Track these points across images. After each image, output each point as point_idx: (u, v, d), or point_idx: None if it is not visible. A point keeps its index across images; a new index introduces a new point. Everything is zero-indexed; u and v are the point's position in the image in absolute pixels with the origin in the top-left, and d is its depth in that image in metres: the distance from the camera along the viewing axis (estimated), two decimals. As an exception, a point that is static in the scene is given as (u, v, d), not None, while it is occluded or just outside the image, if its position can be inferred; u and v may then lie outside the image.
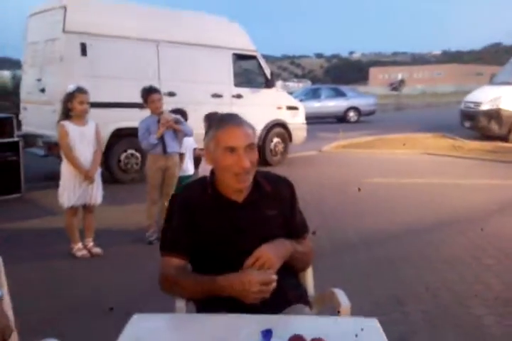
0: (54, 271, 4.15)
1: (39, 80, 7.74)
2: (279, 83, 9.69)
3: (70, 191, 4.33)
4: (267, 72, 9.40)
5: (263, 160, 9.53)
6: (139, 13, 7.85)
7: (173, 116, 4.97)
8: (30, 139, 7.91)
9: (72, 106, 4.27)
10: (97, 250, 4.52)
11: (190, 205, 1.85)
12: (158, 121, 4.79)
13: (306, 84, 50.96)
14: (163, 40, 7.92)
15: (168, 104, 7.96)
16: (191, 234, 1.82)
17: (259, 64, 9.36)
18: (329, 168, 9.51)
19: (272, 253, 1.73)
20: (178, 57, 8.10)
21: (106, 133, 7.16)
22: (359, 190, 7.23)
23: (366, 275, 4.04)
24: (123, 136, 7.71)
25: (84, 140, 4.37)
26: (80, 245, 4.49)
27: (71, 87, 4.38)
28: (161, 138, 4.79)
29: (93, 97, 7.06)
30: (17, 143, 6.70)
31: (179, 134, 4.94)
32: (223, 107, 8.66)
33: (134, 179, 7.90)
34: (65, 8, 7.07)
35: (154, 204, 4.93)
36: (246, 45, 9.10)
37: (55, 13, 7.25)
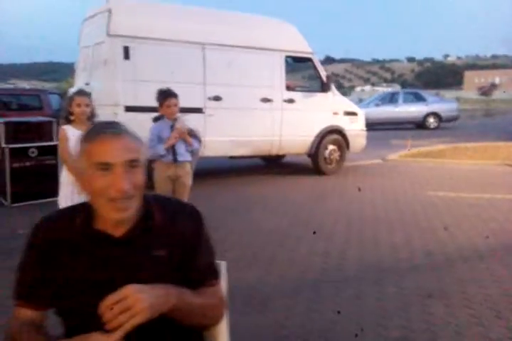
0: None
1: (87, 84, 7.76)
2: (333, 87, 9.05)
3: (67, 199, 4.11)
4: (323, 75, 8.84)
5: (316, 169, 9.00)
6: (185, 14, 7.66)
7: (187, 126, 4.61)
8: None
9: (72, 109, 4.06)
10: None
11: (52, 241, 1.44)
12: (172, 127, 4.47)
13: (395, 89, 49.12)
14: (209, 43, 7.65)
15: (213, 109, 7.80)
16: (51, 280, 1.42)
17: (315, 66, 8.83)
18: (389, 178, 8.77)
19: (143, 296, 1.25)
20: (225, 61, 7.79)
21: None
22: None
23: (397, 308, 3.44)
24: (165, 141, 7.52)
25: None
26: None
27: (72, 90, 4.18)
28: (172, 145, 4.46)
29: (135, 101, 7.13)
30: (55, 146, 6.70)
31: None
32: (273, 112, 8.30)
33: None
34: (110, 11, 7.01)
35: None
36: (300, 47, 8.61)
37: (102, 17, 7.22)
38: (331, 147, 8.99)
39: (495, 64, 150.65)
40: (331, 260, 4.47)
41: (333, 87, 8.95)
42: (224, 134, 7.87)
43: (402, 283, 3.92)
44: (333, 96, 8.97)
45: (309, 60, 8.78)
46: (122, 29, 7.01)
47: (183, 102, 7.47)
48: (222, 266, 1.67)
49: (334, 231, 5.47)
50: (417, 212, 6.33)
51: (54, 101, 12.94)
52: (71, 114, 4.09)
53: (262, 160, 10.23)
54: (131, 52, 7.06)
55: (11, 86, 19.38)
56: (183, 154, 4.51)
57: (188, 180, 4.60)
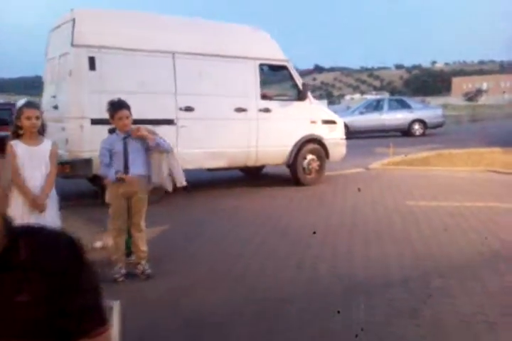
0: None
1: (54, 97, 7.50)
2: (310, 95, 8.84)
3: (18, 220, 3.81)
4: (299, 83, 8.64)
5: (295, 179, 8.76)
6: (154, 22, 7.44)
7: (148, 128, 4.35)
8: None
9: (21, 123, 3.79)
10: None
11: None
12: (125, 138, 4.21)
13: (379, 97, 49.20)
14: (179, 52, 7.42)
15: (186, 120, 7.54)
16: None
17: (290, 74, 8.62)
18: (369, 188, 8.54)
19: None
20: (197, 70, 7.56)
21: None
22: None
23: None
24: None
25: (36, 161, 3.86)
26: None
27: (20, 102, 3.92)
28: (124, 159, 4.19)
29: (102, 114, 6.82)
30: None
31: (151, 151, 4.31)
32: (248, 122, 8.06)
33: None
34: (73, 20, 6.77)
35: (120, 235, 4.33)
36: (274, 54, 8.40)
37: (66, 27, 6.98)
38: (309, 157, 8.76)
39: (482, 69, 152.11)
40: (302, 274, 4.23)
41: (309, 95, 8.74)
42: (197, 146, 7.62)
43: (371, 299, 3.67)
44: (310, 104, 8.75)
45: (284, 67, 8.57)
46: (87, 39, 6.77)
47: (154, 114, 7.29)
48: (115, 306, 1.41)
49: (308, 243, 5.23)
50: (395, 223, 6.10)
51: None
52: (20, 127, 3.82)
53: (241, 171, 9.97)
54: (96, 62, 6.81)
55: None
56: (135, 168, 4.23)
57: (144, 196, 4.33)
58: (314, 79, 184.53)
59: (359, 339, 2.99)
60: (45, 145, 3.92)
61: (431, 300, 3.65)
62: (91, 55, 6.78)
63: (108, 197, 4.33)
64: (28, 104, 3.87)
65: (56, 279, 1.23)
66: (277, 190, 8.48)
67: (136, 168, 4.24)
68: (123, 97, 6.87)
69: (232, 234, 5.73)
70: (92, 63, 6.79)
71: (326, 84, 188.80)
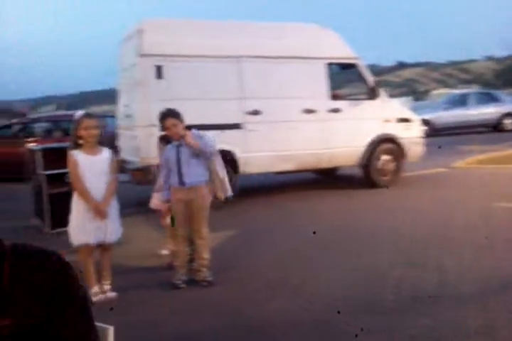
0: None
1: (126, 106, 7.75)
2: (384, 93, 8.43)
3: (79, 227, 3.93)
4: (370, 81, 8.28)
5: (369, 181, 8.41)
6: (218, 29, 7.45)
7: (197, 142, 4.27)
8: (122, 166, 7.94)
9: (80, 133, 3.89)
10: (111, 295, 4.04)
11: None
12: (177, 147, 4.19)
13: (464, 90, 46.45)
14: (245, 56, 7.37)
15: (253, 124, 7.48)
16: None
17: (361, 73, 8.28)
18: (451, 188, 8.00)
19: None
20: (263, 73, 7.48)
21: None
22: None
23: None
24: (204, 160, 7.31)
25: (97, 170, 3.95)
26: (95, 289, 4.04)
27: (79, 113, 4.01)
28: (178, 167, 4.17)
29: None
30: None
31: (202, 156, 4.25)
32: (318, 123, 7.85)
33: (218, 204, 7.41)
34: (141, 31, 6.95)
35: (184, 241, 4.33)
36: (343, 52, 8.11)
37: (135, 38, 7.18)
38: (384, 157, 8.37)
39: None
40: (364, 283, 3.97)
41: (382, 93, 8.36)
42: (266, 149, 7.54)
43: (440, 315, 3.35)
44: (383, 103, 8.36)
45: (354, 65, 8.26)
46: (154, 48, 6.92)
47: (221, 118, 7.30)
48: (109, 333, 1.31)
49: (378, 249, 4.93)
50: (477, 227, 5.62)
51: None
52: (79, 138, 3.92)
53: (314, 173, 9.74)
54: (163, 71, 6.94)
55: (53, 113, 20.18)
56: (191, 175, 4.19)
57: (204, 203, 4.28)
58: (398, 76, 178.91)
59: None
60: (104, 154, 4.00)
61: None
62: (158, 64, 6.91)
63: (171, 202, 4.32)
64: (87, 115, 3.96)
65: (42, 303, 1.15)
66: (351, 193, 8.17)
67: (192, 176, 4.20)
68: (190, 104, 7.09)
69: (299, 241, 5.52)
70: (159, 72, 6.92)
71: (410, 81, 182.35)
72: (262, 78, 7.48)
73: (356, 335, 2.93)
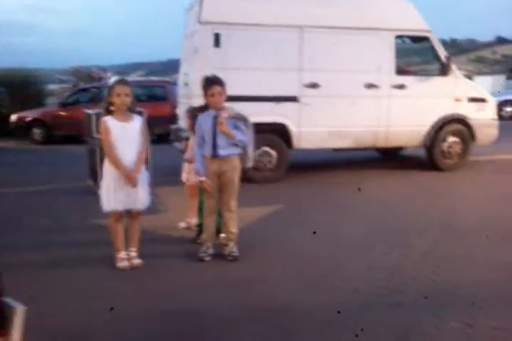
0: (81, 279, 3.84)
1: (185, 74, 7.73)
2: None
3: (109, 194, 3.95)
4: (442, 56, 7.66)
5: (432, 164, 7.93)
6: None
7: (235, 113, 4.15)
8: (179, 134, 7.99)
9: (112, 99, 3.87)
10: (137, 262, 4.07)
11: None
12: (215, 118, 4.07)
13: None
14: (307, 25, 7.04)
15: (310, 98, 7.21)
16: None
17: (433, 46, 7.68)
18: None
19: None
20: (326, 44, 7.13)
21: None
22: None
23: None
24: (256, 132, 7.12)
25: (128, 137, 3.93)
26: (122, 254, 4.08)
27: (112, 80, 3.99)
28: (213, 139, 4.06)
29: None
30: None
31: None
32: (379, 100, 7.46)
33: (267, 178, 7.32)
34: (201, -1, 6.82)
35: (212, 213, 4.26)
36: (414, 24, 7.54)
37: (196, 6, 7.06)
38: (451, 139, 7.83)
39: None
40: (397, 278, 3.72)
41: (454, 69, 7.73)
42: (321, 124, 7.27)
43: (473, 318, 3.04)
44: (455, 80, 7.75)
45: (426, 39, 7.67)
46: (213, 16, 6.78)
47: (276, 90, 7.09)
48: (18, 312, 1.25)
49: (422, 240, 4.60)
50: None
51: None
52: (112, 104, 3.91)
53: (376, 152, 9.34)
54: (221, 39, 6.80)
55: (142, 78, 20.61)
56: (226, 147, 4.08)
57: (235, 176, 4.16)
58: (494, 52, 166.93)
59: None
60: (136, 122, 3.97)
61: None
62: (216, 31, 6.78)
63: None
64: (119, 82, 3.91)
65: None
66: (410, 175, 7.75)
67: (226, 148, 4.09)
68: (247, 74, 6.95)
69: (340, 225, 5.29)
70: (216, 40, 6.80)
71: (508, 57, 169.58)
72: (324, 50, 7.14)
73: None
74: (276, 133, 7.28)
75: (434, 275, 3.74)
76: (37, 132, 13.52)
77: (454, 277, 3.70)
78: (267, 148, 7.26)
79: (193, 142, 4.77)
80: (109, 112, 3.94)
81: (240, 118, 4.14)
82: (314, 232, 4.80)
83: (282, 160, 7.37)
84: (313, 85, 7.16)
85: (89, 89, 14.16)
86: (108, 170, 3.99)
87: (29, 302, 2.33)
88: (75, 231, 5.04)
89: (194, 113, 4.51)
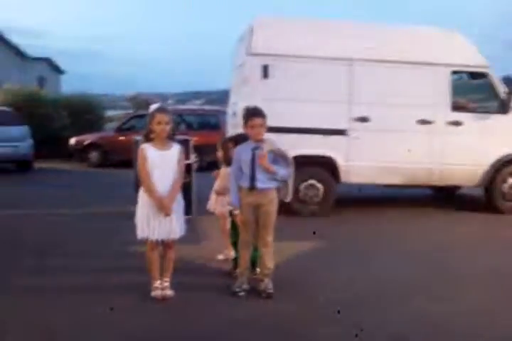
0: (113, 305, 3.76)
1: (234, 104, 7.77)
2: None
3: (144, 222, 3.91)
4: (502, 92, 7.33)
5: (491, 205, 7.51)
6: (331, 29, 7.09)
7: (276, 148, 4.04)
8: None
9: (152, 127, 3.87)
10: (169, 293, 3.96)
11: None
12: (254, 150, 3.97)
13: None
14: (358, 58, 6.95)
15: (359, 131, 7.03)
16: None
17: (491, 82, 7.37)
18: None
19: None
20: (376, 77, 6.99)
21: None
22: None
23: None
24: (303, 165, 7.01)
25: (165, 165, 3.90)
26: (157, 284, 4.00)
27: (153, 107, 3.99)
28: (251, 171, 3.95)
29: (273, 122, 6.68)
30: (190, 165, 6.77)
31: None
32: (433, 136, 7.19)
33: (313, 212, 7.14)
34: (251, 30, 6.89)
35: (247, 247, 4.12)
36: (472, 60, 7.27)
37: (246, 37, 7.14)
38: (511, 180, 7.40)
39: None
40: (437, 332, 3.42)
41: (515, 106, 7.37)
42: (371, 159, 7.07)
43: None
44: (516, 117, 7.37)
45: (484, 75, 7.37)
46: (262, 48, 6.82)
47: (325, 123, 6.96)
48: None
49: (477, 289, 4.26)
50: None
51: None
52: (151, 131, 3.91)
53: (431, 190, 8.96)
54: (270, 70, 6.81)
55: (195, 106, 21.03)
56: (264, 181, 3.96)
57: (272, 209, 4.02)
58: None
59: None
60: (174, 150, 3.94)
61: None
62: (265, 63, 6.80)
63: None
64: (160, 109, 3.91)
65: None
66: (464, 216, 7.36)
67: (265, 181, 3.97)
68: (293, 105, 6.88)
69: (385, 265, 5.01)
70: (265, 71, 6.81)
71: None
72: (375, 83, 7.00)
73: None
74: (323, 167, 7.13)
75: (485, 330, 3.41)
76: (94, 155, 13.93)
77: None
78: (313, 181, 7.11)
79: (223, 173, 4.71)
80: (148, 139, 3.94)
81: (280, 155, 4.03)
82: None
83: (329, 194, 7.19)
84: (363, 119, 7.00)
85: (144, 116, 14.53)
86: (142, 197, 3.96)
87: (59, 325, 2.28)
88: (116, 257, 5.02)
89: (226, 144, 4.47)
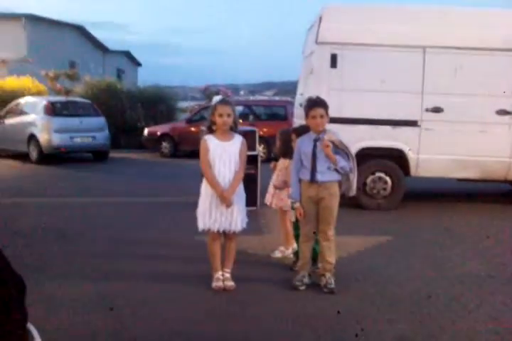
0: (174, 294, 3.85)
1: (301, 94, 7.67)
2: None
3: (204, 213, 3.95)
4: None
5: None
6: (402, 15, 6.74)
7: (338, 139, 3.92)
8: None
9: (214, 119, 3.88)
10: (229, 284, 3.99)
11: None
12: (315, 141, 3.89)
13: None
14: (431, 46, 6.60)
15: (432, 123, 6.71)
16: None
17: None
18: None
19: None
20: (451, 66, 6.61)
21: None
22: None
23: None
24: (371, 157, 6.84)
25: (226, 157, 3.90)
26: (218, 274, 4.04)
27: (216, 99, 4.00)
28: (312, 163, 3.87)
29: (339, 113, 6.59)
30: (256, 156, 6.76)
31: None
32: (515, 128, 6.72)
33: (381, 205, 6.93)
34: (320, 18, 6.72)
35: (308, 241, 4.06)
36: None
37: (315, 25, 6.98)
38: None
39: None
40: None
41: None
42: (444, 152, 6.74)
43: None
44: None
45: None
46: (331, 36, 6.64)
47: (395, 114, 6.71)
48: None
49: None
50: None
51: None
52: (214, 123, 3.93)
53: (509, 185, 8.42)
54: (338, 59, 6.63)
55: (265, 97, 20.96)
56: (325, 173, 3.87)
57: (333, 203, 3.92)
58: None
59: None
60: (236, 142, 3.93)
61: None
62: (333, 52, 6.63)
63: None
64: (221, 101, 3.92)
65: None
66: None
67: (326, 173, 3.88)
68: (364, 96, 6.68)
69: (452, 261, 4.78)
70: (333, 61, 6.64)
71: None
72: (450, 72, 6.62)
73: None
74: (392, 159, 6.89)
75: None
76: (165, 146, 14.31)
77: None
78: (381, 174, 6.90)
79: (280, 166, 4.65)
80: (211, 131, 3.96)
81: (340, 148, 3.91)
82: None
83: (397, 188, 6.95)
84: (436, 109, 6.67)
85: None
86: (205, 188, 3.99)
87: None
88: (179, 246, 5.13)
89: (283, 136, 4.41)
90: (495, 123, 6.69)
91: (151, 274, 4.28)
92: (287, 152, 4.48)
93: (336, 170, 3.88)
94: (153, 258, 4.72)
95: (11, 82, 16.39)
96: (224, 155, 3.89)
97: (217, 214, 3.93)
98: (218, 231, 3.97)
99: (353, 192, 4.04)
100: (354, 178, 3.97)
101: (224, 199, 3.85)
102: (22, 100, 13.04)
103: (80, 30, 26.16)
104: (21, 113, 12.58)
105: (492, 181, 7.29)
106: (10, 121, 12.76)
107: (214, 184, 3.87)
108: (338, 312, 3.31)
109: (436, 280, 4.21)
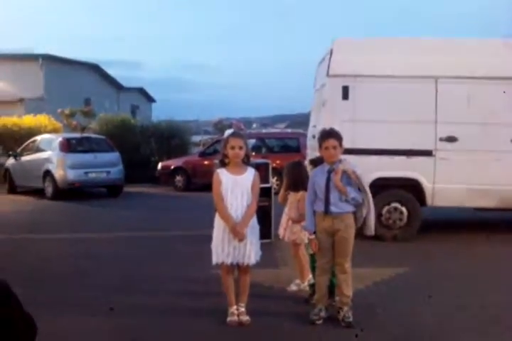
0: (187, 330, 3.76)
1: (314, 127, 7.70)
2: None
3: (217, 246, 3.90)
4: None
5: None
6: (413, 46, 6.80)
7: (352, 170, 3.88)
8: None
9: (226, 151, 3.88)
10: (245, 319, 3.89)
11: None
12: (329, 173, 3.86)
13: None
14: (443, 76, 6.63)
15: (446, 152, 6.66)
16: None
17: None
18: None
19: None
20: (464, 95, 6.62)
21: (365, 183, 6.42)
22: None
23: None
24: (385, 187, 6.78)
25: (238, 190, 3.87)
26: (233, 309, 3.95)
27: (228, 132, 4.02)
28: (326, 194, 3.82)
29: (353, 143, 6.56)
30: (269, 188, 6.73)
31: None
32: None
33: (397, 236, 6.82)
34: (331, 51, 6.82)
35: (324, 274, 3.97)
36: None
37: (326, 58, 7.08)
38: None
39: None
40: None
41: None
42: (459, 181, 6.66)
43: None
44: None
45: None
46: (342, 69, 6.71)
47: (409, 144, 6.68)
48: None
49: None
50: None
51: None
52: (226, 156, 3.92)
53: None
54: (350, 91, 6.68)
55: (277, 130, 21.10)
56: (339, 204, 3.82)
57: (349, 234, 3.85)
58: None
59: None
60: (248, 175, 3.91)
61: None
62: (345, 84, 6.69)
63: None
64: (233, 134, 3.94)
65: None
66: None
67: (340, 205, 3.83)
68: (375, 126, 6.67)
69: (472, 295, 4.63)
70: (345, 92, 6.69)
71: None
72: (463, 101, 6.62)
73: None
74: (407, 189, 6.82)
75: None
76: (179, 179, 14.33)
77: None
78: (397, 205, 6.81)
79: (293, 198, 4.59)
80: (223, 164, 3.96)
81: (353, 178, 3.85)
82: (430, 296, 4.25)
83: (414, 218, 6.85)
84: (450, 139, 6.64)
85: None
86: (218, 222, 3.95)
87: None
88: (194, 280, 5.05)
89: (292, 169, 4.43)
90: (510, 151, 6.62)
91: (166, 309, 4.21)
92: (297, 184, 4.45)
93: (346, 201, 3.83)
94: (167, 292, 4.66)
95: (28, 120, 16.73)
96: (236, 188, 3.87)
97: (231, 247, 3.87)
98: (232, 265, 3.91)
99: (371, 231, 3.95)
100: (370, 215, 3.88)
101: (236, 233, 3.79)
102: (38, 137, 13.27)
103: (94, 69, 26.84)
104: (37, 150, 12.78)
105: (509, 210, 7.15)
106: (27, 158, 12.95)
107: (226, 217, 3.83)
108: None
109: (457, 312, 4.07)
